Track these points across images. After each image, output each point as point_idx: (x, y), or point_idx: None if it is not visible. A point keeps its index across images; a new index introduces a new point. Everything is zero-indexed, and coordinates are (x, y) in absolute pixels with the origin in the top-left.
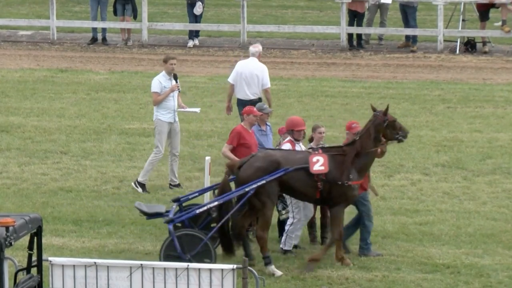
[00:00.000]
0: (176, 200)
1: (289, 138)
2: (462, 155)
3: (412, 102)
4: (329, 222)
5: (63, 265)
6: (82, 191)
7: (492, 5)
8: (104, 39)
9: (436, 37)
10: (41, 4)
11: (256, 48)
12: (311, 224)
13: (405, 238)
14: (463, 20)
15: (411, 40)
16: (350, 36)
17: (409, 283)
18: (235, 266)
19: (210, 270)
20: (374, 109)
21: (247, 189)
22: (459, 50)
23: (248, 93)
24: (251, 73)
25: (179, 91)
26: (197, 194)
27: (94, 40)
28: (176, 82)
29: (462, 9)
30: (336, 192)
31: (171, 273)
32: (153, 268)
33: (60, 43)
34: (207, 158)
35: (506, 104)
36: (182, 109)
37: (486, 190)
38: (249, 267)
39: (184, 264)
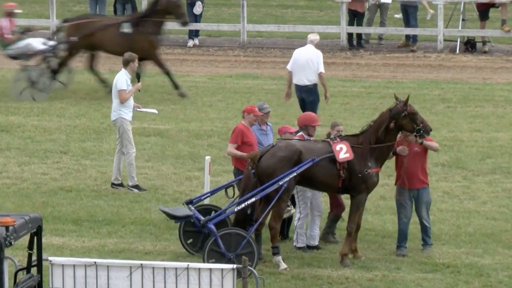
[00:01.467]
0: (189, 202)
1: (300, 133)
2: (462, 155)
3: (412, 102)
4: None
5: (63, 265)
6: (82, 190)
7: (492, 5)
8: None
9: (436, 37)
10: (41, 3)
11: (315, 36)
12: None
13: None
14: (463, 20)
15: (411, 40)
16: (350, 35)
17: (409, 282)
18: (235, 265)
19: (210, 269)
20: (396, 98)
21: (280, 183)
22: (459, 50)
23: (303, 79)
24: (306, 59)
25: (139, 90)
26: (209, 194)
27: None
28: (139, 81)
29: (462, 8)
30: (356, 181)
31: (171, 273)
32: (153, 267)
33: None
34: (207, 157)
35: (506, 103)
36: (139, 109)
37: (486, 190)
38: (249, 267)
39: (184, 264)
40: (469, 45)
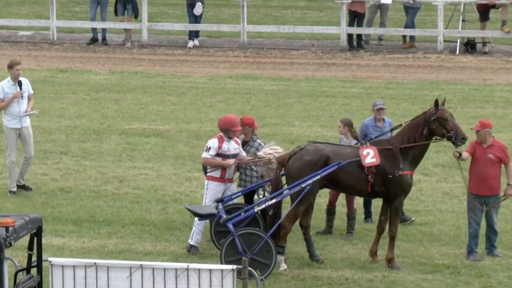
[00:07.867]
0: (220, 201)
1: (220, 134)
2: None
3: (412, 103)
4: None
5: (63, 266)
6: (82, 191)
7: (493, 6)
8: (104, 39)
9: (436, 38)
10: (41, 4)
11: None
12: (330, 212)
13: (405, 238)
14: (463, 21)
15: (408, 37)
16: (350, 36)
17: (409, 283)
18: (235, 266)
19: (210, 270)
20: (436, 103)
21: (303, 185)
22: (459, 51)
23: None
24: None
25: (22, 98)
26: (240, 193)
27: (94, 40)
28: (21, 88)
29: (462, 9)
30: (390, 185)
31: (171, 274)
32: (153, 268)
33: (60, 44)
34: None
35: (506, 104)
36: (25, 113)
37: None
38: (249, 268)
39: (184, 265)
40: (469, 46)
